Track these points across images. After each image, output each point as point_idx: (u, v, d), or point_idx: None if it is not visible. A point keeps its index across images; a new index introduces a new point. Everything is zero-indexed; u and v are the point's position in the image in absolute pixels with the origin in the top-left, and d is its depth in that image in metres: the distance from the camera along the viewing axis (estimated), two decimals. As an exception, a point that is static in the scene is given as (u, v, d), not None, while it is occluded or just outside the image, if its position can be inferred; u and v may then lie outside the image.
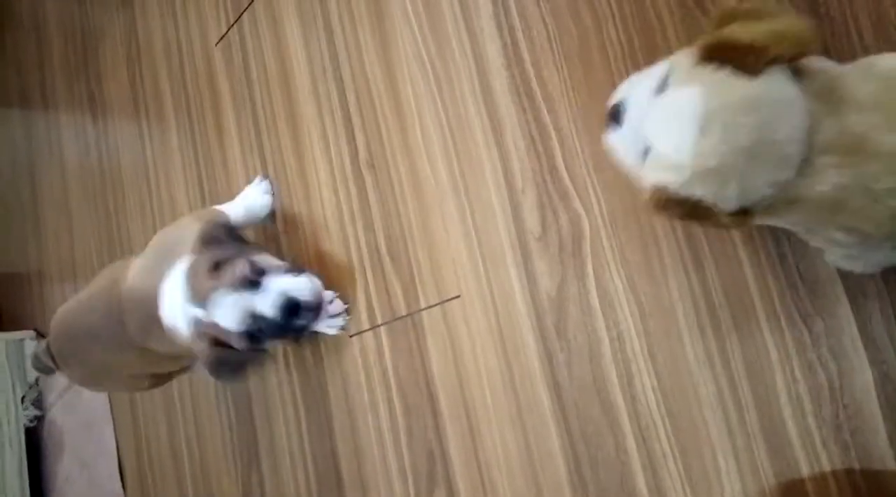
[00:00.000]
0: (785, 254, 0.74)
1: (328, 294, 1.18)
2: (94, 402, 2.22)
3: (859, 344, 0.69)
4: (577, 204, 0.91)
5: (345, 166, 1.25)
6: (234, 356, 1.08)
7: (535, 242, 0.96)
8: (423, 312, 1.13)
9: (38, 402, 2.63)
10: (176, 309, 1.10)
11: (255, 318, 1.02)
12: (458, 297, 1.07)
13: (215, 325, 1.04)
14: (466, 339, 1.06)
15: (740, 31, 0.52)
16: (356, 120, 1.23)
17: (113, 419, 2.16)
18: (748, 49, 0.51)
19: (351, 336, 1.26)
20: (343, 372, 1.28)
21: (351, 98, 1.23)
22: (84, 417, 2.31)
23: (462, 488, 1.07)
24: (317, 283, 1.07)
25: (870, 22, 0.68)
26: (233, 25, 1.54)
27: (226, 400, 1.61)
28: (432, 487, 1.12)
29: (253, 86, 1.48)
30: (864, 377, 0.69)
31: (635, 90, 0.57)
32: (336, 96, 1.26)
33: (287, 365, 1.41)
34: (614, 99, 0.58)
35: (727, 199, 0.53)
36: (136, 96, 1.98)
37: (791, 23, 0.52)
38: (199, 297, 1.05)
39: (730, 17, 0.54)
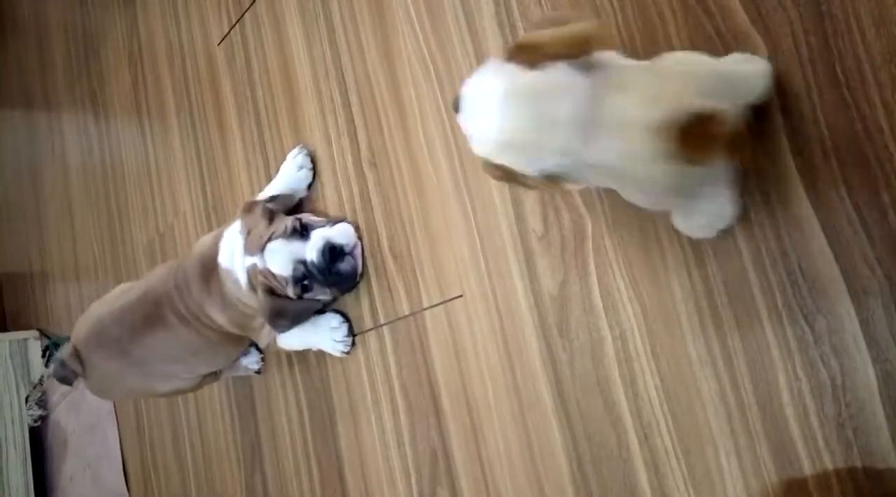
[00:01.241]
0: (787, 251, 0.74)
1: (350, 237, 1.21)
2: (99, 403, 2.23)
3: (861, 342, 0.69)
4: (578, 203, 0.91)
5: (347, 165, 1.26)
6: (289, 306, 1.19)
7: (538, 242, 0.96)
8: (426, 312, 1.13)
9: (42, 402, 2.64)
10: (235, 257, 1.22)
11: (303, 264, 1.14)
12: (460, 296, 1.07)
13: (269, 272, 1.16)
14: (469, 338, 1.06)
15: (535, 35, 0.65)
16: (358, 119, 1.23)
17: (117, 420, 2.17)
18: (534, 48, 0.65)
19: (354, 335, 1.26)
20: (346, 371, 1.28)
21: (353, 98, 1.24)
22: (88, 418, 2.32)
23: (465, 487, 1.08)
24: (351, 229, 1.20)
25: (871, 20, 0.68)
26: (235, 25, 1.54)
27: (229, 401, 1.62)
28: (435, 486, 1.12)
29: (255, 85, 1.48)
30: (866, 375, 0.69)
31: (469, 85, 0.69)
32: (338, 96, 1.27)
33: (290, 365, 1.41)
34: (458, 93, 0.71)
35: (526, 165, 0.68)
36: (137, 96, 1.98)
37: (582, 27, 0.65)
38: (254, 247, 1.18)
39: (542, 24, 0.67)
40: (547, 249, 0.95)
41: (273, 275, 1.16)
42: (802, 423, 0.73)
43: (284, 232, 1.16)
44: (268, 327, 1.27)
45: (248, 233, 1.21)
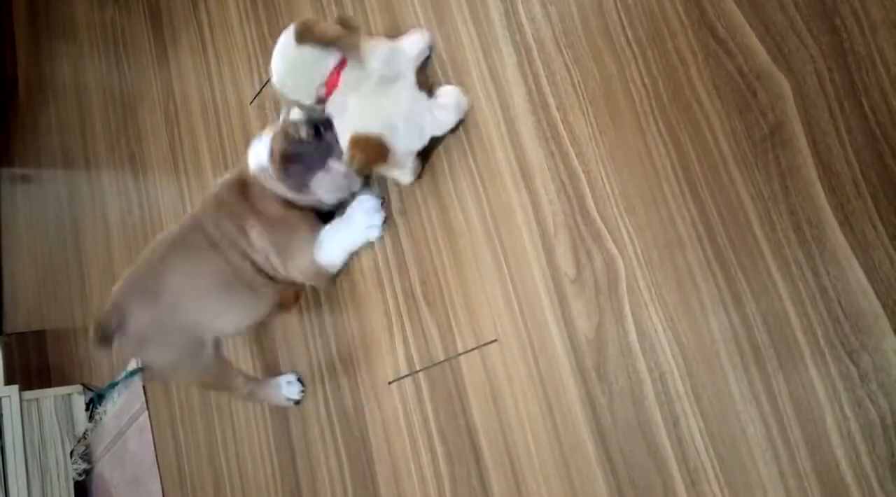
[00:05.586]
0: (825, 288, 0.73)
1: None
2: (142, 456, 2.25)
3: (910, 378, 0.68)
4: (610, 245, 0.91)
5: (378, 215, 1.27)
6: (302, 149, 1.18)
7: (571, 285, 0.96)
8: (461, 357, 1.13)
9: (87, 456, 2.67)
10: (261, 150, 1.24)
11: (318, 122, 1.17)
12: (495, 340, 1.07)
13: (287, 122, 1.20)
14: (506, 383, 1.06)
15: (315, 23, 1.04)
16: (387, 170, 1.25)
17: (160, 473, 2.19)
18: (309, 31, 1.03)
19: (390, 382, 1.26)
20: (384, 419, 1.28)
21: (381, 149, 1.26)
22: (131, 471, 2.34)
23: (509, 536, 1.06)
24: None
25: (895, 53, 0.68)
26: (266, 84, 1.59)
27: (269, 451, 1.62)
28: (478, 535, 1.11)
29: (286, 141, 1.52)
30: (918, 413, 0.67)
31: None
32: (367, 147, 1.29)
33: (328, 413, 1.42)
34: None
35: (292, 93, 1.08)
36: (174, 154, 2.05)
37: (339, 33, 1.03)
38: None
39: (336, 20, 1.06)
40: (580, 292, 0.95)
41: (291, 123, 1.19)
42: (854, 465, 0.71)
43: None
44: (309, 244, 1.26)
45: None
